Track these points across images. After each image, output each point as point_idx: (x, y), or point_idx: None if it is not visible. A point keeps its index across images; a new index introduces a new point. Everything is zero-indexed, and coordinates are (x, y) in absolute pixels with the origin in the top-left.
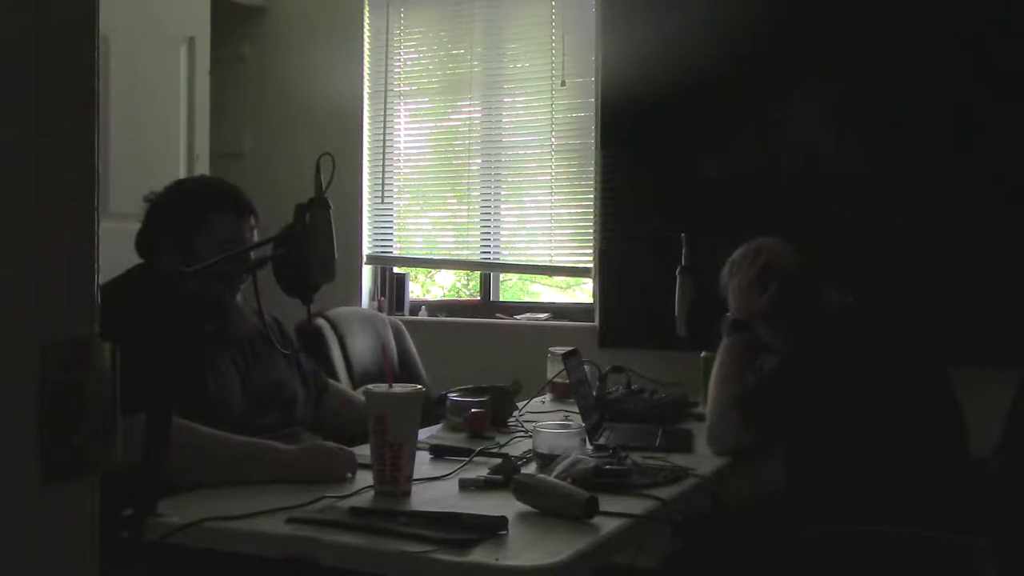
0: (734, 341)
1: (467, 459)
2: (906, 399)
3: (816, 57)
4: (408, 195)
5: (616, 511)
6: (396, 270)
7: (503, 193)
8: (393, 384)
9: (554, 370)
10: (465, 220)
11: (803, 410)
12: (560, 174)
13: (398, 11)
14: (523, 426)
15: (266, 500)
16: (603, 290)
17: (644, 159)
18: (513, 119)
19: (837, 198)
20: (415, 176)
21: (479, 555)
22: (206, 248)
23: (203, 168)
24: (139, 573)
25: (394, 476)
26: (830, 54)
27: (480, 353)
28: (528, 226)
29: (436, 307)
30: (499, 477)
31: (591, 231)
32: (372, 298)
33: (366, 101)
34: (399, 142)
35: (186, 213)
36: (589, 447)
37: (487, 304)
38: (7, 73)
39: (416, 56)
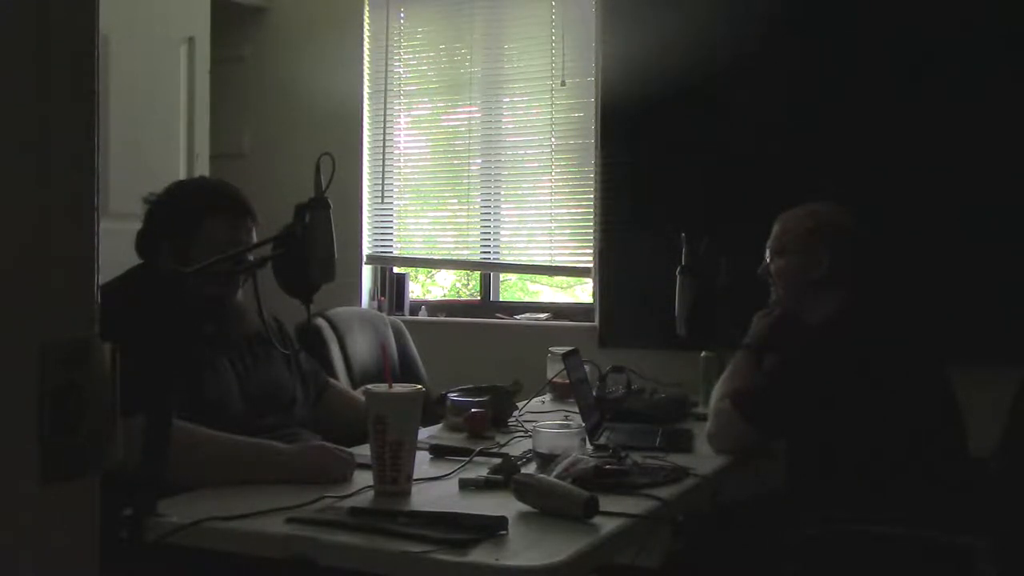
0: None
1: (467, 459)
2: (906, 399)
3: (816, 56)
4: (408, 195)
5: (616, 511)
6: (396, 270)
7: (503, 193)
8: (393, 384)
9: (554, 370)
10: (465, 220)
11: (801, 408)
12: (560, 174)
13: (398, 11)
14: (523, 426)
15: (266, 500)
16: (603, 290)
17: (644, 159)
18: (513, 119)
19: (838, 197)
20: (415, 176)
21: (479, 555)
22: (203, 250)
23: (203, 168)
24: (139, 573)
25: (394, 476)
26: (830, 53)
27: (480, 353)
28: (528, 226)
29: (436, 307)
30: (499, 477)
31: (591, 231)
32: (372, 298)
33: (366, 101)
34: (399, 142)
35: (184, 215)
36: (589, 447)
37: (487, 304)
38: (7, 73)
39: (416, 56)
